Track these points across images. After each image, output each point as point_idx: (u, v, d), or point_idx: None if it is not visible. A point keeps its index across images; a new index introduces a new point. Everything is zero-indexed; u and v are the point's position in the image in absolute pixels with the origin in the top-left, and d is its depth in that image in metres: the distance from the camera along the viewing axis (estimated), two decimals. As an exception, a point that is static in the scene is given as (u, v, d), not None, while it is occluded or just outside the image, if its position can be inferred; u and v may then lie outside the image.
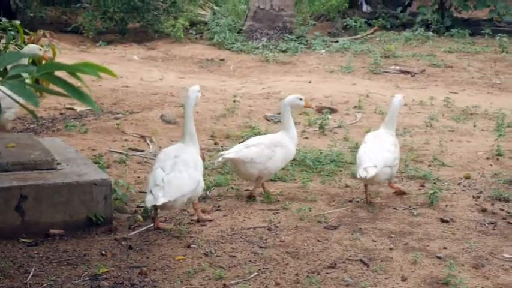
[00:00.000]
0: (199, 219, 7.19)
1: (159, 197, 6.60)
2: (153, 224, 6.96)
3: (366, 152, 7.73)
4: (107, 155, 9.22)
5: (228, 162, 8.20)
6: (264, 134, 10.47)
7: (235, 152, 7.81)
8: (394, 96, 8.48)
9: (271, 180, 8.47)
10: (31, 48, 9.03)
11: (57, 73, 3.03)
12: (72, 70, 2.78)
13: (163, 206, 6.74)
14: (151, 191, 6.69)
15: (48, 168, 7.03)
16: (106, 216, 6.85)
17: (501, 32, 19.48)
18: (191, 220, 7.17)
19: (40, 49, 9.08)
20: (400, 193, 8.11)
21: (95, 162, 8.11)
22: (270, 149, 7.87)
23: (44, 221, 6.63)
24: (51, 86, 3.10)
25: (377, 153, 7.69)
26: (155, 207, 6.84)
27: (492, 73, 16.43)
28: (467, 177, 8.85)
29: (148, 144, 9.89)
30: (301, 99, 8.11)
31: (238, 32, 19.71)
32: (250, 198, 7.86)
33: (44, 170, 6.99)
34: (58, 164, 7.17)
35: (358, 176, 7.61)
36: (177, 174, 6.80)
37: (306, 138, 10.65)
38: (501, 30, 20.11)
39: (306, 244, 6.64)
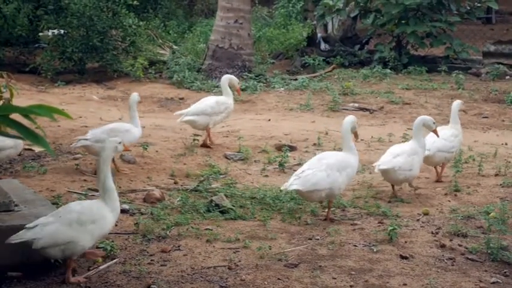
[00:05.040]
0: (328, 218, 8.50)
1: (293, 184, 8.14)
2: (114, 261, 6.93)
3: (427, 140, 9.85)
4: (66, 195, 9.14)
5: None
6: (224, 173, 10.53)
7: (386, 162, 9.32)
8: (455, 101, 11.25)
9: (231, 219, 8.47)
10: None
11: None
12: (26, 112, 2.75)
13: (300, 194, 8.47)
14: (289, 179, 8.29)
15: (5, 210, 6.97)
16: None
17: (457, 69, 19.79)
18: (172, 251, 7.13)
19: None
20: (440, 178, 10.40)
21: (54, 203, 8.05)
22: (410, 157, 9.36)
23: (2, 263, 6.55)
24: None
25: (433, 141, 9.99)
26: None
27: (449, 110, 16.56)
28: (426, 214, 8.92)
29: (108, 184, 9.81)
30: (434, 122, 9.81)
31: (198, 71, 19.76)
32: (392, 198, 9.52)
33: (1, 212, 6.92)
34: (16, 205, 7.11)
35: None
36: (317, 171, 8.24)
37: (266, 176, 10.68)
38: (457, 67, 20.43)
39: (266, 283, 6.63)
